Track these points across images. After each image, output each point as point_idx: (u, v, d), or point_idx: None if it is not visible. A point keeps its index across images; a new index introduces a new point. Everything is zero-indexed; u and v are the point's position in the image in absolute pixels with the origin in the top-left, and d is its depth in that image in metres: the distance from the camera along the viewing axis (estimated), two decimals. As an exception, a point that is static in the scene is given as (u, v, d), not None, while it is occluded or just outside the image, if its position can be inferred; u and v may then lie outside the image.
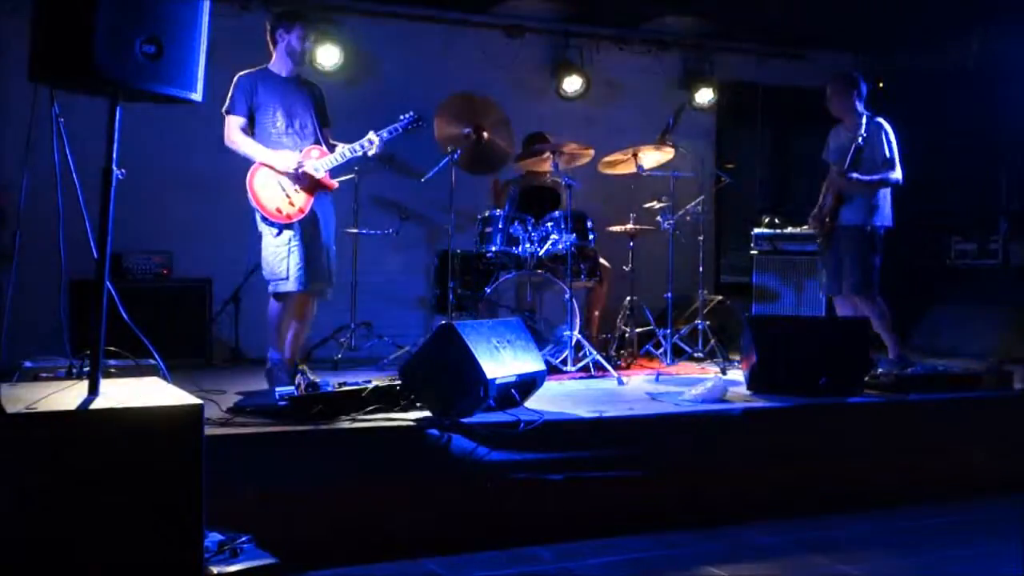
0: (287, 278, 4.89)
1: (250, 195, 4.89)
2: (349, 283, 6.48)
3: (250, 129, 4.97)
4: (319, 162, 4.98)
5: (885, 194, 5.81)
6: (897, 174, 5.73)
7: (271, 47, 5.09)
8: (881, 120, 5.81)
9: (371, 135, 5.09)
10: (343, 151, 5.06)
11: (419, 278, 7.15)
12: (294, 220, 4.92)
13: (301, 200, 4.93)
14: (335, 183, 5.09)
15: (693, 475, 4.29)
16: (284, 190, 4.90)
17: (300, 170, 4.90)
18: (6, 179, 5.61)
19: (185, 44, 2.87)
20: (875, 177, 5.71)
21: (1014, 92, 6.79)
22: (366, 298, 6.56)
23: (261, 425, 3.83)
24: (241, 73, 4.99)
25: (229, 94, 4.93)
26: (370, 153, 5.10)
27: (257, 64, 5.10)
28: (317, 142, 5.08)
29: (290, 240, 4.90)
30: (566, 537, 3.88)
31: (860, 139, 5.63)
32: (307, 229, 4.97)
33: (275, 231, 4.91)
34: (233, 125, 4.93)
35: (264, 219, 4.91)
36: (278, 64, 5.08)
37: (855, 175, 5.68)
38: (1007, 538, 3.99)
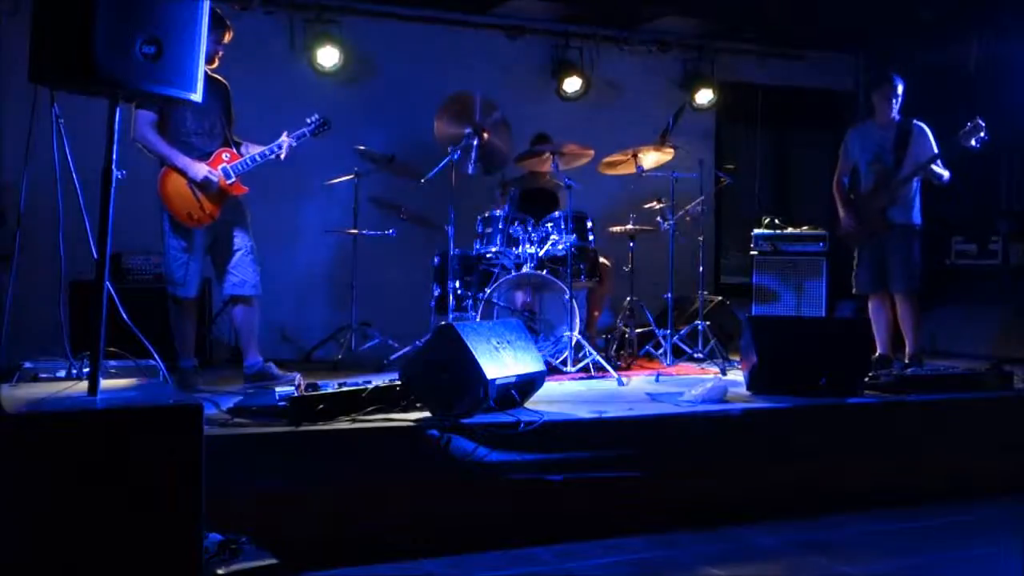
0: (184, 284, 4.92)
1: (161, 197, 4.84)
2: (349, 283, 6.48)
3: (162, 127, 4.85)
4: (230, 166, 4.95)
5: (918, 192, 5.96)
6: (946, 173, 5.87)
7: None
8: (920, 123, 5.95)
9: (283, 137, 5.06)
10: (254, 155, 5.02)
11: (419, 278, 7.14)
12: (204, 225, 4.91)
13: (211, 206, 4.91)
14: (246, 188, 5.03)
15: (693, 475, 4.29)
16: (195, 194, 4.86)
17: (211, 178, 4.86)
18: (6, 179, 5.62)
19: (185, 44, 2.87)
20: (947, 176, 5.82)
21: (1014, 92, 6.79)
22: (366, 298, 6.56)
23: (261, 425, 3.83)
24: None
25: None
26: (281, 156, 5.05)
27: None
28: (226, 143, 5.04)
29: (195, 247, 4.92)
30: (566, 537, 3.88)
31: (975, 143, 5.63)
32: (217, 234, 4.99)
33: (181, 235, 4.90)
34: (143, 121, 4.79)
35: (172, 222, 4.87)
36: None
37: (944, 173, 5.78)
38: (1007, 538, 3.99)
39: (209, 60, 4.97)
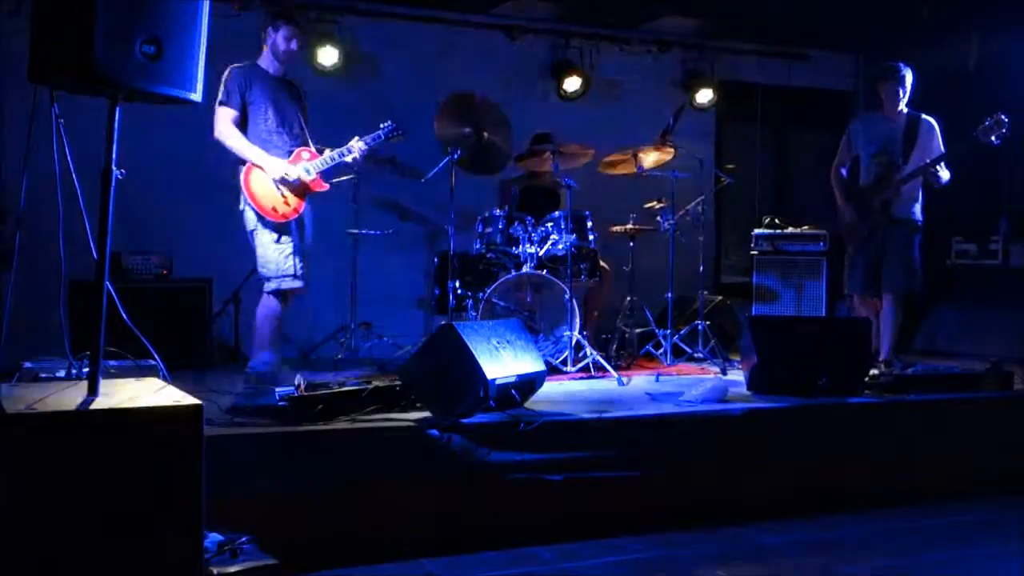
0: (295, 275, 4.94)
1: (246, 194, 4.92)
2: (349, 283, 6.48)
3: (241, 124, 4.97)
4: (310, 164, 5.02)
5: (920, 187, 5.86)
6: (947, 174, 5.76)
7: (262, 43, 5.11)
8: (929, 119, 5.85)
9: (356, 141, 5.15)
10: (331, 155, 5.11)
11: (419, 278, 7.15)
12: (290, 219, 4.97)
13: (295, 200, 4.98)
14: (326, 185, 5.12)
15: (693, 475, 4.29)
16: (280, 190, 4.94)
17: (291, 177, 4.92)
18: (6, 179, 5.61)
19: (185, 44, 2.87)
20: (947, 178, 5.70)
21: (1014, 92, 6.80)
22: (366, 298, 6.56)
23: (261, 425, 3.84)
24: (233, 66, 5.00)
25: (222, 86, 4.92)
26: (357, 157, 5.16)
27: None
28: (305, 143, 5.12)
29: (290, 239, 4.97)
30: (566, 537, 3.88)
31: (996, 139, 5.48)
32: (299, 229, 5.04)
33: (275, 228, 4.95)
34: (225, 118, 4.92)
35: (261, 218, 4.93)
36: (266, 61, 5.10)
37: (945, 174, 5.67)
38: (1007, 539, 3.99)
39: (283, 61, 5.08)
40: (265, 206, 4.92)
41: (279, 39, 5.04)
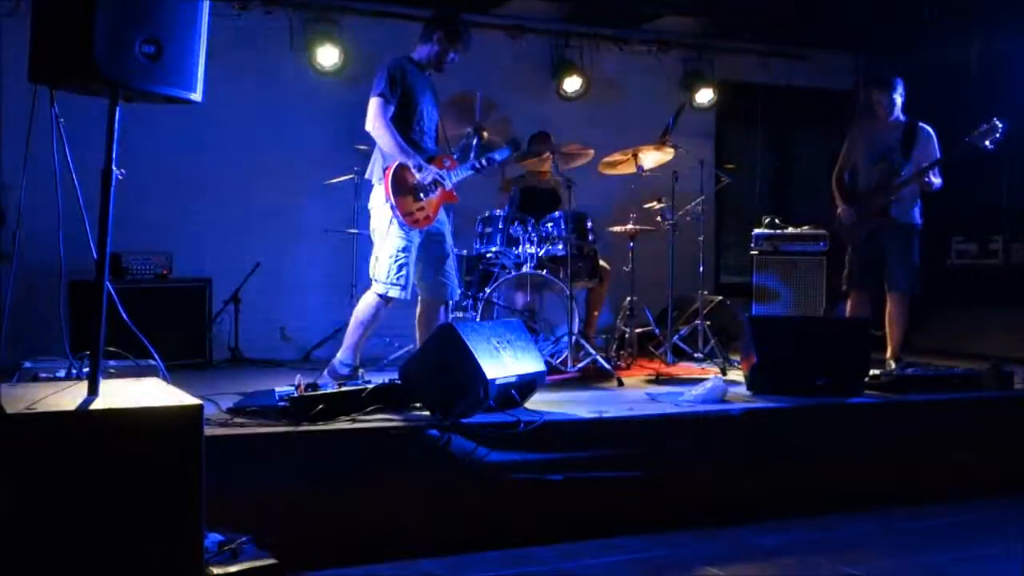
0: (399, 284, 4.78)
1: (387, 192, 4.74)
2: (349, 283, 6.48)
3: (397, 122, 4.80)
4: (451, 172, 4.96)
5: (918, 191, 5.96)
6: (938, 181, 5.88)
7: (422, 38, 5.00)
8: (926, 126, 5.96)
9: (483, 156, 5.16)
10: (467, 164, 5.07)
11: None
12: (422, 228, 4.86)
13: (430, 209, 4.88)
14: (458, 197, 5.06)
15: (693, 475, 4.29)
16: (418, 196, 4.82)
17: (440, 180, 4.86)
18: (6, 179, 5.62)
19: (185, 44, 2.87)
20: (939, 183, 5.83)
21: (1014, 92, 6.80)
22: (366, 298, 6.56)
23: (261, 425, 3.84)
24: (395, 58, 4.89)
25: (383, 76, 4.76)
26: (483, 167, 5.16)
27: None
28: (446, 149, 5.05)
29: (412, 247, 4.84)
30: (566, 537, 3.88)
31: (990, 144, 5.56)
32: (430, 239, 4.94)
33: (402, 235, 4.79)
34: (383, 111, 4.73)
35: (398, 222, 4.77)
36: (422, 58, 4.98)
37: (936, 180, 5.79)
38: (1007, 539, 3.99)
39: (438, 66, 4.99)
40: (404, 210, 4.75)
41: (442, 47, 4.92)
